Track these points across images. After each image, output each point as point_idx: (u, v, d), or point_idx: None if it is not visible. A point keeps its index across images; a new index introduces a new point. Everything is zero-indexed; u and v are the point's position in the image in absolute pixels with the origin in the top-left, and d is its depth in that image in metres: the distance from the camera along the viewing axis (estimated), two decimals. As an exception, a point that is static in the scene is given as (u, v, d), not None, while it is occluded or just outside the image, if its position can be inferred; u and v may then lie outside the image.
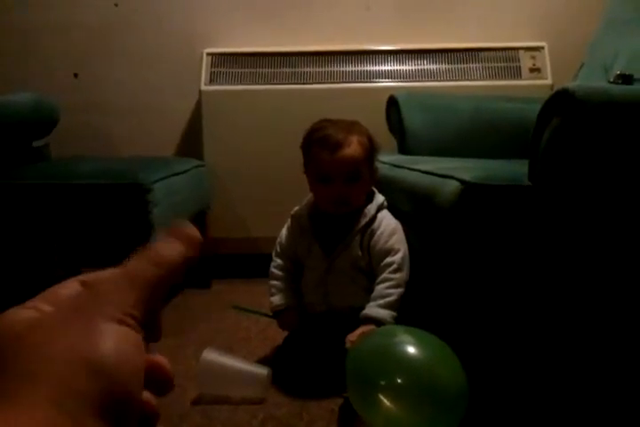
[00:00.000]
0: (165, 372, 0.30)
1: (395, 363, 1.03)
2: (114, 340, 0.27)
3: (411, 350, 1.04)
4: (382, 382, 1.02)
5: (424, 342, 1.06)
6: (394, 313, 1.30)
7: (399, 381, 1.00)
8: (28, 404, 0.24)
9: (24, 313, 0.28)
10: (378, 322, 1.28)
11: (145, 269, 0.30)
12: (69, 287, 0.31)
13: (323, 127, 1.38)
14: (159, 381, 0.30)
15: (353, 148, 1.35)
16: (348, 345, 1.24)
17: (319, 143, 1.36)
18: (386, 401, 1.00)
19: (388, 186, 1.50)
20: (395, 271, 1.33)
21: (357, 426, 1.15)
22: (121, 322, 0.28)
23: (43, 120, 1.91)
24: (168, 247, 0.32)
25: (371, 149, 1.39)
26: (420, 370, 1.02)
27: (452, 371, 1.02)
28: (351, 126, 1.39)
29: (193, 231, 0.34)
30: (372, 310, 1.29)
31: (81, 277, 0.32)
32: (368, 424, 1.10)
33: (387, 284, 1.32)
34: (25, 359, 0.26)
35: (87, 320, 0.27)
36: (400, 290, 1.32)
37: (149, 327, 0.30)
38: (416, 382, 1.01)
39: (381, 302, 1.30)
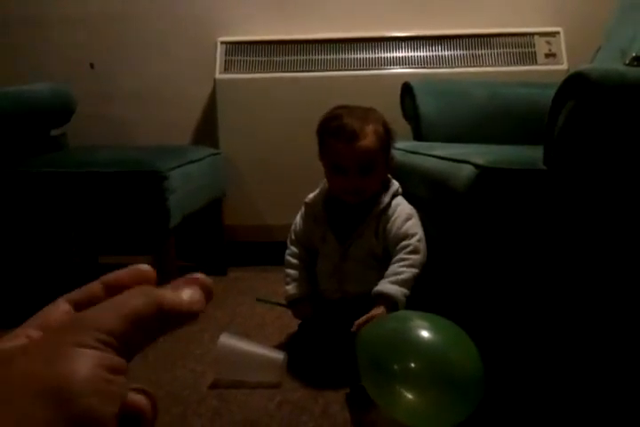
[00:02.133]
0: (140, 409, 0.29)
1: (409, 348, 1.02)
2: (78, 364, 0.25)
3: (425, 334, 1.02)
4: (396, 368, 1.00)
5: (439, 327, 1.05)
6: (405, 291, 1.28)
7: (414, 365, 0.99)
8: None
9: (6, 345, 0.28)
10: (388, 298, 1.27)
11: (141, 304, 0.28)
12: (60, 310, 0.31)
13: (338, 115, 1.36)
14: (135, 417, 0.29)
15: (369, 139, 1.33)
16: (353, 329, 1.23)
17: (334, 133, 1.35)
18: (401, 387, 0.99)
19: (402, 172, 1.50)
20: (410, 253, 1.32)
21: (371, 412, 1.16)
22: (90, 347, 0.26)
23: (60, 109, 1.93)
24: (180, 293, 0.31)
25: (386, 138, 1.38)
26: (435, 355, 1.00)
27: (468, 356, 1.00)
28: (367, 114, 1.37)
29: (208, 282, 0.32)
30: (384, 286, 1.29)
31: (76, 297, 0.32)
32: (383, 410, 1.10)
33: (400, 263, 1.32)
34: None
35: (54, 346, 0.26)
36: (414, 270, 1.31)
37: (131, 356, 0.28)
38: (431, 367, 0.99)
39: (392, 278, 1.29)
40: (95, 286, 0.32)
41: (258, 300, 1.73)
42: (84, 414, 0.25)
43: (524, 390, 1.21)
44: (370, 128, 1.34)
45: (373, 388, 1.07)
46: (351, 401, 1.21)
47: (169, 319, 0.29)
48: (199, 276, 0.32)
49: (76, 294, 0.32)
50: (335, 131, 1.35)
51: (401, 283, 1.29)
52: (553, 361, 1.25)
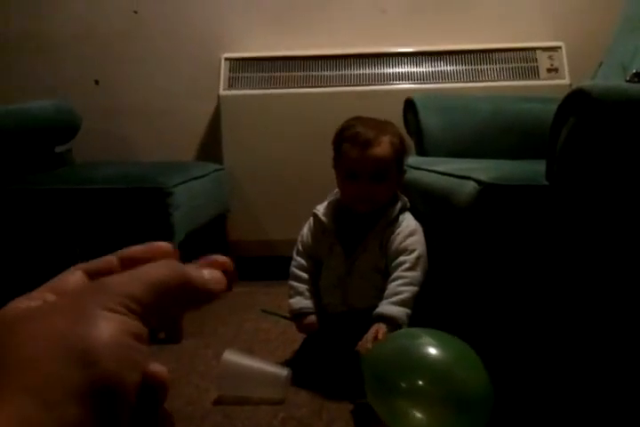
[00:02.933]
0: (161, 380, 0.28)
1: (416, 364, 1.01)
2: (104, 327, 0.25)
3: (432, 351, 1.01)
4: (403, 385, 1.00)
5: (446, 344, 1.04)
6: (407, 311, 1.28)
7: (420, 383, 0.98)
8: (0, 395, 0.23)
9: (24, 304, 0.28)
10: (391, 320, 1.27)
11: (167, 275, 0.29)
12: (76, 278, 0.31)
13: (355, 125, 1.39)
14: (155, 388, 0.28)
15: (383, 147, 1.36)
16: (359, 348, 1.22)
17: (350, 140, 1.38)
18: (407, 404, 0.99)
19: (405, 187, 1.50)
20: (407, 270, 1.32)
21: None
22: (116, 311, 0.26)
23: (64, 126, 1.94)
24: (203, 271, 0.31)
25: (401, 151, 1.40)
26: (442, 372, 1.00)
27: (476, 374, 1.00)
28: (384, 126, 1.40)
29: (229, 264, 0.33)
30: (385, 307, 1.29)
31: (91, 267, 0.32)
32: None
33: (399, 281, 1.31)
34: (7, 349, 0.25)
35: (80, 308, 0.26)
36: (413, 288, 1.30)
37: (161, 327, 0.29)
38: (438, 384, 0.99)
39: (394, 299, 1.29)
40: (111, 259, 0.32)
41: (263, 311, 1.73)
42: (108, 378, 0.25)
43: (530, 398, 1.20)
44: (386, 138, 1.37)
45: (379, 404, 1.06)
46: (356, 418, 1.20)
47: (192, 295, 0.30)
48: (219, 258, 0.33)
49: (92, 264, 0.32)
50: (351, 138, 1.38)
51: (402, 303, 1.29)
52: (555, 375, 1.24)
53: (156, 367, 0.28)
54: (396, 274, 1.33)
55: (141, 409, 0.27)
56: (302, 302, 1.43)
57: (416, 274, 1.32)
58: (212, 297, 0.31)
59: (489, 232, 1.14)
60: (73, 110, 1.95)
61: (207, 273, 0.31)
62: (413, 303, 1.30)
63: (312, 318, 1.42)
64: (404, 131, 1.85)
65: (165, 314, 0.29)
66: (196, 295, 0.30)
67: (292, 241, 1.53)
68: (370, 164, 1.36)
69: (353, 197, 1.40)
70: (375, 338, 1.23)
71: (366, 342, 1.23)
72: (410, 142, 1.46)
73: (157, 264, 0.29)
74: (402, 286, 1.30)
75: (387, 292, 1.32)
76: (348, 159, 1.38)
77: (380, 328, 1.25)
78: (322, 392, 1.29)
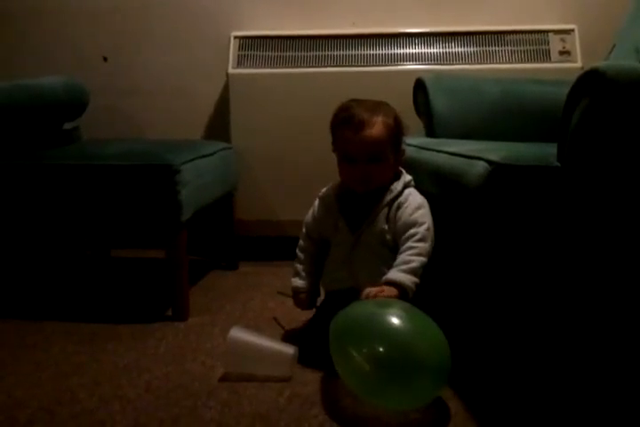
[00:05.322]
0: None
1: (376, 330, 1.10)
2: None
3: (395, 321, 1.10)
4: (364, 350, 1.08)
5: (413, 318, 1.12)
6: (416, 279, 1.29)
7: (380, 349, 1.07)
8: None
9: None
10: (399, 286, 1.27)
11: None
12: None
13: (349, 107, 1.40)
14: None
15: (376, 128, 1.36)
16: (363, 295, 1.25)
17: (344, 123, 1.38)
18: (360, 360, 1.07)
19: (414, 168, 1.50)
20: (418, 241, 1.33)
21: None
22: None
23: (73, 103, 1.93)
24: None
25: (396, 131, 1.40)
26: (397, 339, 1.08)
27: (434, 343, 1.09)
28: (377, 107, 1.40)
29: None
30: (394, 274, 1.29)
31: None
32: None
33: (409, 251, 1.32)
34: None
35: None
36: (422, 259, 1.31)
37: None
38: (396, 351, 1.06)
39: (404, 267, 1.29)
40: None
41: (279, 293, 1.79)
42: None
43: (524, 387, 1.21)
44: (379, 119, 1.37)
45: (339, 364, 1.14)
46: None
47: None
48: None
49: None
50: (345, 120, 1.38)
51: (411, 271, 1.29)
52: (558, 359, 1.25)
53: None
54: (406, 245, 1.33)
55: None
56: (297, 281, 1.50)
57: (426, 245, 1.33)
58: None
59: (499, 213, 1.14)
60: (82, 87, 1.94)
61: None
62: (421, 273, 1.30)
63: (302, 296, 1.49)
64: (411, 112, 1.85)
65: None
66: None
67: (299, 221, 1.55)
68: (364, 145, 1.36)
69: (350, 178, 1.41)
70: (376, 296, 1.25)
71: (369, 293, 1.25)
72: (407, 120, 1.45)
73: None
74: (412, 256, 1.31)
75: (396, 261, 1.32)
76: (343, 142, 1.40)
77: (391, 291, 1.26)
78: (327, 370, 1.30)
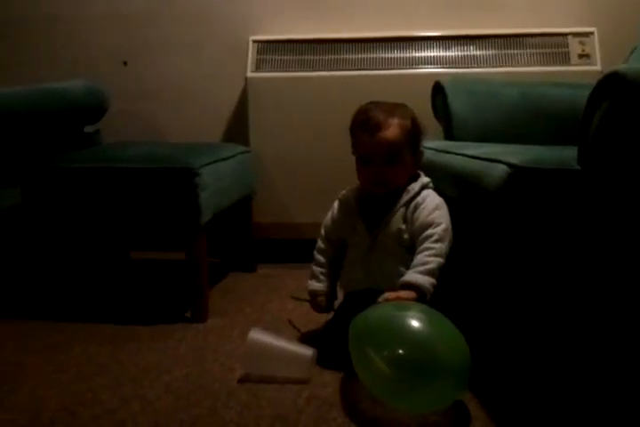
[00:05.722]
0: None
1: (396, 332, 1.09)
2: None
3: (415, 323, 1.09)
4: (384, 352, 1.08)
5: (433, 321, 1.11)
6: (433, 281, 1.28)
7: (400, 351, 1.06)
8: None
9: None
10: (417, 288, 1.27)
11: None
12: None
13: (367, 110, 1.41)
14: None
15: (392, 130, 1.36)
16: (380, 300, 1.25)
17: (361, 125, 1.40)
18: (380, 363, 1.07)
19: (433, 171, 1.50)
20: (435, 241, 1.32)
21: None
22: None
23: (93, 106, 1.95)
24: None
25: (413, 133, 1.40)
26: (421, 342, 1.07)
27: (455, 346, 1.08)
28: (394, 109, 1.40)
29: None
30: (411, 275, 1.29)
31: None
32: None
33: (426, 252, 1.32)
34: None
35: None
36: (439, 259, 1.31)
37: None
38: (416, 353, 1.05)
39: (421, 268, 1.29)
40: None
41: (293, 298, 1.80)
42: None
43: (544, 391, 1.21)
44: (394, 121, 1.37)
45: (359, 367, 1.14)
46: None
47: None
48: None
49: None
50: (361, 123, 1.39)
51: (428, 273, 1.29)
52: (579, 362, 1.24)
53: None
54: (423, 246, 1.33)
55: None
56: (314, 284, 1.50)
57: (443, 246, 1.33)
58: None
59: (519, 216, 1.14)
60: (103, 91, 1.96)
61: None
62: (439, 275, 1.30)
63: (320, 299, 1.49)
64: (429, 115, 1.85)
65: None
66: None
67: (317, 224, 1.55)
68: (379, 147, 1.37)
69: (367, 180, 1.42)
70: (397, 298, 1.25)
71: (386, 298, 1.25)
72: (425, 123, 1.45)
73: None
74: (429, 257, 1.31)
75: (414, 262, 1.32)
76: (360, 144, 1.41)
77: (409, 293, 1.26)
78: (347, 372, 1.30)
